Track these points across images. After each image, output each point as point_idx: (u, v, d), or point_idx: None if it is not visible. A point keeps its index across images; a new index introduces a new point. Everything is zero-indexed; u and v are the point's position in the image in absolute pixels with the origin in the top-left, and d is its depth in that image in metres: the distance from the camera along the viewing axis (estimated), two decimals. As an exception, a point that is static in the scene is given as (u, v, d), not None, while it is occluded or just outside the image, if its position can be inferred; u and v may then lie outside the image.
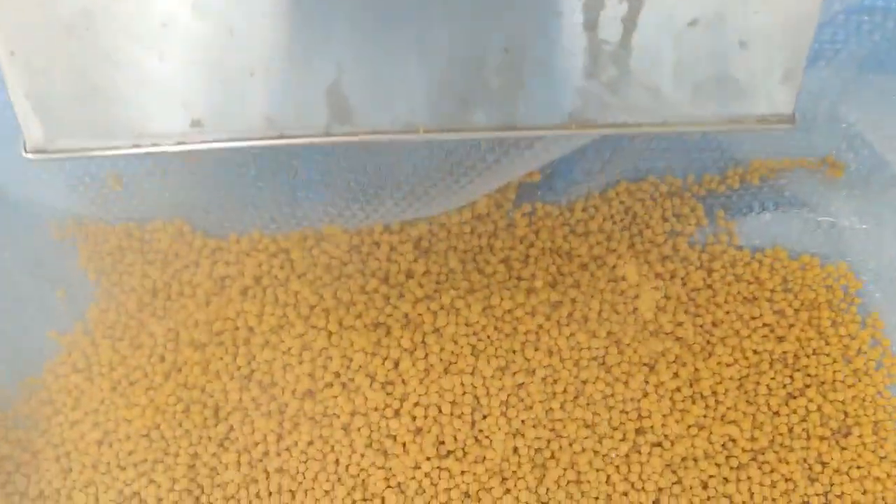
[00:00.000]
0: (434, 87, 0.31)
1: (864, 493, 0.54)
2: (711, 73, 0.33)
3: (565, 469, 0.53)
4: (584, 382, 0.54)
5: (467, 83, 0.31)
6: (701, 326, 0.56)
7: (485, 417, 0.53)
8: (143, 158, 0.55)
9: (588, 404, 0.53)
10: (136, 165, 0.55)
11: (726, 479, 0.53)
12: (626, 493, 0.53)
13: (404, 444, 0.53)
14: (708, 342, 0.56)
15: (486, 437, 0.53)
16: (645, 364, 0.55)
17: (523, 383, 0.54)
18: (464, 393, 0.53)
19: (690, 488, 0.53)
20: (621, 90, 0.33)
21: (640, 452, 0.53)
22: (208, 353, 0.54)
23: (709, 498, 0.53)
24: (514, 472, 0.52)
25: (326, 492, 0.52)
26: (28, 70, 0.31)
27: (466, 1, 0.30)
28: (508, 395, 0.53)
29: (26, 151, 0.31)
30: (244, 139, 0.31)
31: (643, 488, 0.53)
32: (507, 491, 0.52)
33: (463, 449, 0.53)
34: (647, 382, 0.54)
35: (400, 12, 0.30)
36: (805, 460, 0.54)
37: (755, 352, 0.56)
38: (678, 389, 0.54)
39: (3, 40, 0.30)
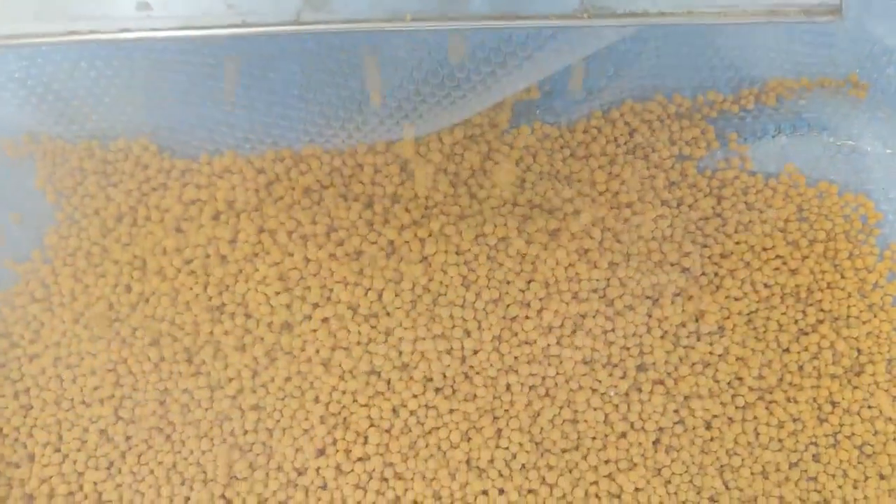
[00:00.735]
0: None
1: (875, 433, 0.51)
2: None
3: (561, 407, 0.49)
4: (583, 316, 0.50)
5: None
6: (709, 258, 0.52)
7: (476, 353, 0.49)
8: (103, 68, 0.50)
9: (586, 339, 0.50)
10: (96, 76, 0.50)
11: (731, 419, 0.50)
12: (624, 434, 0.49)
13: (389, 381, 0.49)
14: (716, 274, 0.52)
15: (477, 373, 0.49)
16: (648, 297, 0.51)
17: (517, 317, 0.50)
18: (453, 326, 0.49)
19: (693, 428, 0.50)
20: (641, -25, 0.28)
21: (640, 390, 0.50)
22: (178, 283, 0.50)
23: (712, 438, 0.50)
24: (507, 410, 0.49)
25: (305, 430, 0.49)
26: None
27: None
28: (501, 330, 0.49)
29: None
30: (199, 27, 0.26)
31: (643, 428, 0.49)
32: (499, 431, 0.49)
33: (452, 386, 0.49)
34: (649, 316, 0.50)
35: None
36: (815, 400, 0.51)
37: (766, 285, 0.52)
38: (683, 325, 0.51)
39: None
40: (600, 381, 0.50)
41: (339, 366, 0.49)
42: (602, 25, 0.28)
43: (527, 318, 0.49)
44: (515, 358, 0.49)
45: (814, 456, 0.50)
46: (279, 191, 0.51)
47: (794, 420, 0.51)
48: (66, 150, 0.52)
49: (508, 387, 0.49)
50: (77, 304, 0.50)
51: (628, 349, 0.50)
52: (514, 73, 0.45)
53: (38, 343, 0.50)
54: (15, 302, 0.51)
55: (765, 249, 0.53)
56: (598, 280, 0.50)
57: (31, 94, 0.50)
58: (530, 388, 0.49)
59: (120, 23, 0.27)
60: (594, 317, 0.50)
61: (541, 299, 0.50)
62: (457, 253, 0.50)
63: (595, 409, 0.49)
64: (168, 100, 0.51)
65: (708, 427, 0.50)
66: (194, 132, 0.52)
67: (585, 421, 0.49)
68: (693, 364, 0.50)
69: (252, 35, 0.26)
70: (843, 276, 0.53)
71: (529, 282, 0.50)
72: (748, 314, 0.52)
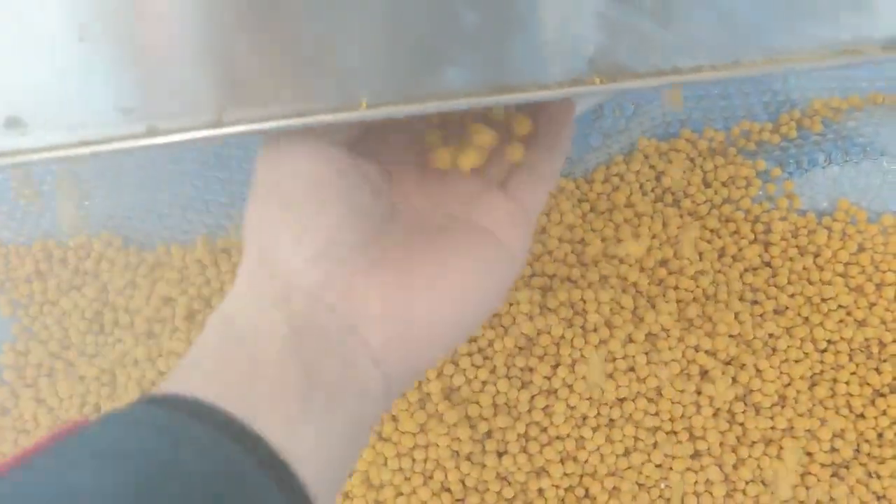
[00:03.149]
0: (376, 35, 0.20)
1: (977, 507, 0.43)
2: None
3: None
4: (621, 400, 0.43)
5: (427, 25, 0.20)
6: (760, 316, 0.45)
7: (500, 456, 0.42)
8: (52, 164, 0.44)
9: (627, 427, 0.42)
10: (47, 172, 0.44)
11: (803, 503, 0.43)
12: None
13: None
14: (770, 335, 0.45)
15: (505, 478, 0.42)
16: (696, 372, 0.44)
17: (546, 406, 0.43)
18: (471, 426, 0.42)
19: (763, 519, 0.42)
20: (671, 15, 0.21)
21: (696, 480, 0.43)
22: (153, 396, 0.43)
23: (786, 528, 0.42)
24: (543, 517, 0.42)
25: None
26: None
27: None
28: (527, 426, 0.42)
29: None
30: (88, 143, 0.20)
31: (705, 525, 0.42)
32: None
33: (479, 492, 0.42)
34: (698, 393, 0.43)
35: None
36: (902, 473, 0.43)
37: (830, 342, 0.45)
38: (737, 398, 0.43)
39: None
40: (647, 476, 0.42)
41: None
42: (618, 90, 0.21)
43: (555, 406, 0.42)
44: (547, 459, 0.42)
45: (907, 541, 0.43)
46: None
47: (879, 498, 0.43)
48: (21, 254, 0.46)
49: (541, 492, 0.42)
50: (41, 430, 0.44)
51: (676, 433, 0.43)
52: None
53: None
54: (-26, 431, 0.45)
55: (824, 300, 0.45)
56: (633, 356, 0.43)
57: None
58: (566, 489, 0.42)
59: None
60: (633, 400, 0.43)
61: (569, 385, 0.43)
62: (469, 341, 0.43)
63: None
64: (127, 188, 0.45)
65: (779, 515, 0.43)
66: (160, 220, 0.46)
67: (639, 516, 0.42)
68: (753, 443, 0.43)
69: (159, 146, 0.20)
70: (920, 324, 0.45)
71: (556, 366, 0.43)
72: (811, 377, 0.44)
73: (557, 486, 0.42)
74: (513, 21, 0.20)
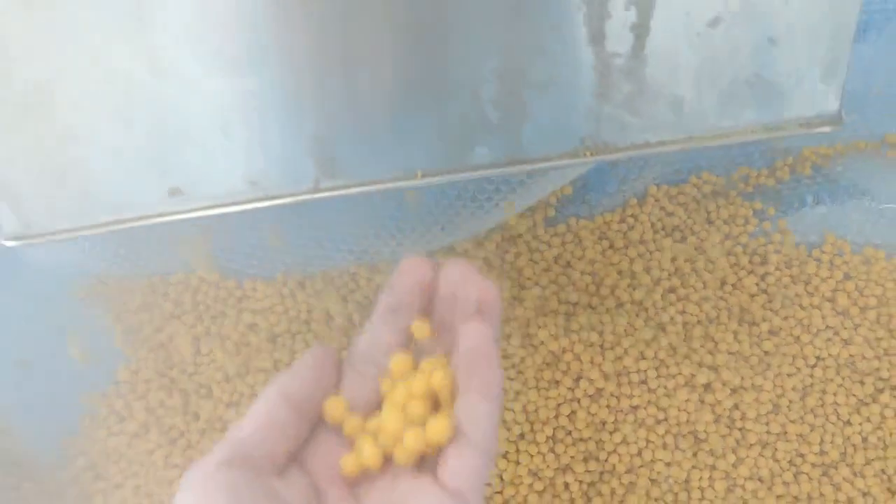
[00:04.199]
0: (428, 127, 0.28)
1: (956, 502, 0.49)
2: (739, 76, 0.30)
3: (621, 501, 0.49)
4: (635, 408, 0.50)
5: (463, 119, 0.28)
6: (757, 336, 0.52)
7: (531, 456, 0.50)
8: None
9: (640, 431, 0.50)
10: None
11: (796, 499, 0.49)
12: (690, 524, 0.49)
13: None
14: (766, 353, 0.52)
15: (535, 474, 0.50)
16: (699, 383, 0.51)
17: (571, 413, 0.50)
18: (507, 429, 0.50)
19: (761, 512, 0.49)
20: (639, 106, 0.30)
21: (701, 477, 0.50)
22: (242, 409, 0.52)
23: (781, 520, 0.49)
24: (569, 508, 0.49)
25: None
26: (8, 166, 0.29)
27: (447, 31, 0.27)
28: (554, 430, 0.50)
29: (4, 239, 0.30)
30: (227, 204, 0.29)
31: (709, 517, 0.49)
32: (563, 529, 0.49)
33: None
34: (701, 402, 0.50)
35: (380, 52, 0.28)
36: (883, 471, 0.50)
37: (819, 358, 0.52)
38: (736, 406, 0.50)
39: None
40: (658, 472, 0.49)
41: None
42: (604, 160, 0.30)
43: (577, 414, 0.50)
44: (572, 457, 0.50)
45: (890, 532, 0.49)
46: (336, 309, 0.53)
47: (864, 495, 0.49)
48: (132, 289, 0.55)
49: (567, 486, 0.49)
50: (151, 434, 0.53)
51: (683, 437, 0.50)
52: (540, 182, 0.46)
53: (119, 474, 0.53)
54: (95, 436, 0.54)
55: (814, 322, 0.52)
56: (645, 371, 0.51)
57: (96, 239, 0.54)
58: (588, 484, 0.49)
59: (158, 209, 0.30)
60: (645, 408, 0.50)
61: (590, 396, 0.50)
62: (504, 356, 0.51)
63: (655, 500, 0.49)
64: (222, 231, 0.54)
65: (775, 509, 0.49)
66: (247, 259, 0.55)
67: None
68: (751, 445, 0.50)
69: (274, 206, 0.29)
70: (900, 342, 0.52)
71: (578, 379, 0.51)
72: (802, 389, 0.51)
73: (581, 482, 0.49)
74: (524, 115, 0.29)
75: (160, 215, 0.29)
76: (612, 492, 0.49)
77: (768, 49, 0.29)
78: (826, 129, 0.30)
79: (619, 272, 0.53)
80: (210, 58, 0.27)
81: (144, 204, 0.29)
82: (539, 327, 0.51)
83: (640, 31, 0.29)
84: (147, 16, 0.27)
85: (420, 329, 0.27)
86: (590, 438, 0.50)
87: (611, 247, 0.54)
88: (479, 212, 0.50)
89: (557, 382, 0.51)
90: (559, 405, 0.50)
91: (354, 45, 0.27)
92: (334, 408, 0.26)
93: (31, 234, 0.30)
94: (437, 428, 0.25)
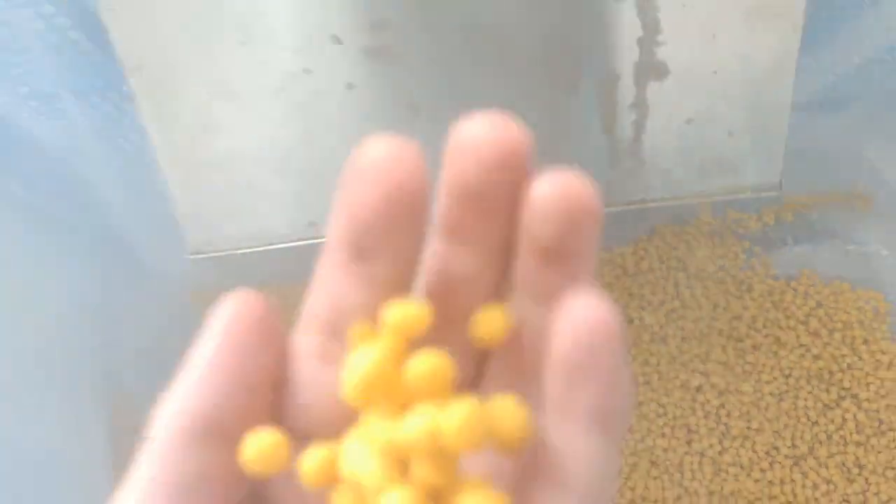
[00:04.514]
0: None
1: (902, 491, 0.60)
2: (707, 156, 0.42)
3: (626, 478, 0.61)
4: (640, 404, 0.63)
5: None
6: (742, 350, 0.64)
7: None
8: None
9: (642, 422, 0.62)
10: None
11: (771, 483, 0.61)
12: (679, 498, 0.61)
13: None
14: (749, 363, 0.64)
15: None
16: (692, 386, 0.63)
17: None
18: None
19: (739, 491, 0.61)
20: (638, 175, 0.42)
21: (692, 462, 0.61)
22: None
23: (756, 499, 0.61)
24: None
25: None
26: (191, 194, 0.43)
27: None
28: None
29: (189, 254, 0.43)
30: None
31: (696, 492, 0.61)
32: None
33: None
34: (694, 401, 0.62)
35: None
36: (843, 464, 0.61)
37: (793, 369, 0.63)
38: (723, 405, 0.62)
39: (179, 179, 0.41)
40: (657, 456, 0.61)
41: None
42: (610, 211, 0.42)
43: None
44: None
45: (845, 512, 0.60)
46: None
47: (827, 482, 0.61)
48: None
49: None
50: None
51: (678, 429, 0.62)
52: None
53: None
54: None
55: (790, 340, 0.64)
56: (648, 374, 0.63)
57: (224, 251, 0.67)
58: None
59: (299, 235, 0.43)
60: (648, 405, 0.62)
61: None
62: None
63: (654, 479, 0.61)
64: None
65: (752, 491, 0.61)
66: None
67: (647, 487, 0.61)
68: (734, 438, 0.62)
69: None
70: (860, 358, 0.63)
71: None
72: (779, 394, 0.63)
73: (594, 461, 0.61)
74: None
75: (301, 240, 0.42)
76: (619, 470, 0.62)
77: (727, 139, 0.41)
78: (772, 193, 0.42)
79: (630, 295, 0.66)
80: (340, 130, 0.40)
81: (290, 233, 0.43)
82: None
83: (639, 125, 0.41)
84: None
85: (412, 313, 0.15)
86: (602, 427, 0.62)
87: (624, 273, 0.67)
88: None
89: (577, 381, 0.63)
90: (578, 399, 0.63)
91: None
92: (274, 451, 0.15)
93: (209, 250, 0.43)
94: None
